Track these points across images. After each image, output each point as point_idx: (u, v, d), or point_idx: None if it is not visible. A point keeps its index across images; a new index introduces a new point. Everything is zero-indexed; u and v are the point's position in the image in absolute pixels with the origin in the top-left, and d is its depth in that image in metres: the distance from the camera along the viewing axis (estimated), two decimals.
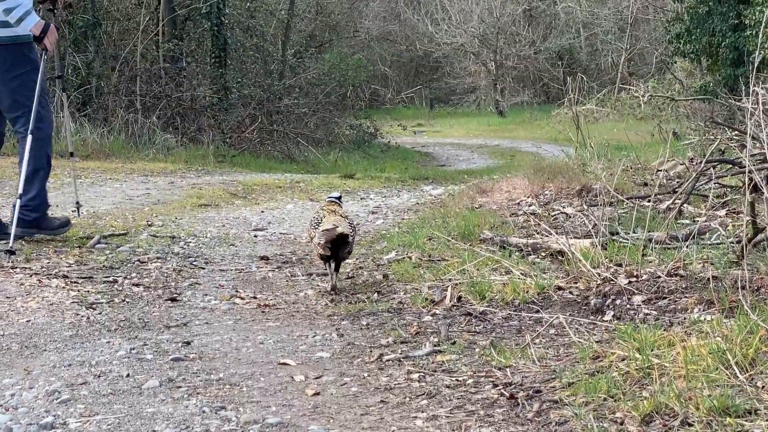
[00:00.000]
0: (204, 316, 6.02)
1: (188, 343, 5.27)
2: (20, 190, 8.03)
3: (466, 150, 30.61)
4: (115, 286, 6.87)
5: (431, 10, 49.40)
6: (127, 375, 4.68)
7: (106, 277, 7.17)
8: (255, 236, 9.57)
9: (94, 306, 6.24)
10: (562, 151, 16.74)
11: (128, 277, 7.21)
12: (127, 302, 6.41)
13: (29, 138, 8.04)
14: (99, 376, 4.68)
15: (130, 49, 21.73)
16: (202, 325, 5.75)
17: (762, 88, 7.57)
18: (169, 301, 6.45)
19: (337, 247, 6.56)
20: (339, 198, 7.26)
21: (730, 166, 9.84)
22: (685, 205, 8.87)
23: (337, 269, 6.79)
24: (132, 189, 13.27)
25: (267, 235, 9.69)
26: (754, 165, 8.50)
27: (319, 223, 6.77)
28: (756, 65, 15.45)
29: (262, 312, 6.11)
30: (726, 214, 8.57)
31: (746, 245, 5.79)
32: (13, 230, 7.82)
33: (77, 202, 9.50)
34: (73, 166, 10.85)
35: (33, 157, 8.09)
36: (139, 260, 7.89)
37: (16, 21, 8.00)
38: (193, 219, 10.62)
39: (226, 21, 23.48)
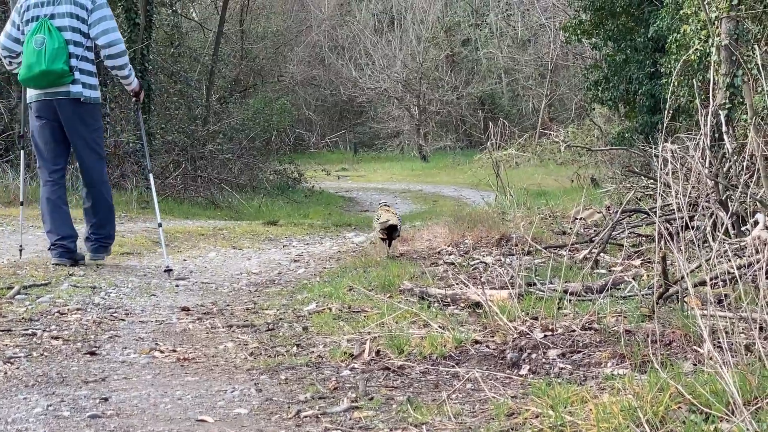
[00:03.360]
0: (123, 370, 6.00)
1: (106, 399, 5.26)
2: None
3: (389, 195, 30.72)
4: (34, 339, 6.83)
5: (355, 55, 49.67)
6: None
7: (25, 329, 7.12)
8: (177, 286, 9.54)
9: (11, 360, 6.19)
10: (482, 198, 16.88)
11: (47, 329, 7.16)
12: (46, 356, 6.37)
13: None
14: None
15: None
16: (121, 380, 5.73)
17: (672, 144, 7.75)
18: (88, 355, 6.42)
19: (390, 233, 10.73)
20: (387, 204, 11.81)
21: (645, 215, 10.02)
22: (601, 254, 9.02)
23: (389, 245, 10.83)
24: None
25: (189, 284, 9.67)
26: (665, 215, 8.70)
27: (379, 218, 10.88)
28: (671, 113, 15.72)
29: (182, 366, 6.11)
30: (641, 263, 8.73)
31: (657, 300, 5.91)
32: None
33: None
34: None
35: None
36: (59, 312, 7.84)
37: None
38: (115, 268, 10.56)
39: (150, 67, 23.44)
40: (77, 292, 8.77)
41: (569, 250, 9.17)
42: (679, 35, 16.34)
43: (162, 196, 20.84)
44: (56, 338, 6.89)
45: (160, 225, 10.93)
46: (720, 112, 11.95)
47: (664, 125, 7.10)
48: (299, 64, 51.22)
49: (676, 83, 16.27)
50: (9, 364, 6.09)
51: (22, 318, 7.55)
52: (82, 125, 10.18)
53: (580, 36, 26.37)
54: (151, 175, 11.33)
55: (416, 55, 47.62)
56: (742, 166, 9.33)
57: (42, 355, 6.41)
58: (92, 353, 6.47)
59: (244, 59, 41.97)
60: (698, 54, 14.53)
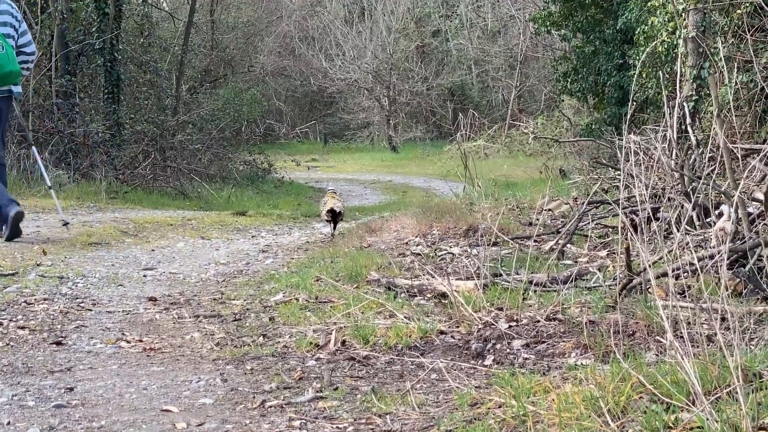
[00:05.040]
0: (89, 360, 6.01)
1: (71, 389, 5.27)
2: None
3: (359, 185, 30.75)
4: (0, 329, 6.82)
5: (325, 45, 49.62)
6: (8, 423, 4.67)
7: None
8: (144, 276, 9.54)
9: None
10: (451, 189, 16.92)
11: (14, 319, 7.15)
12: (12, 346, 6.37)
13: None
14: None
15: (23, 85, 21.47)
16: (87, 370, 5.74)
17: (638, 135, 7.80)
18: (54, 345, 6.42)
19: (335, 217, 12.68)
20: (334, 190, 13.80)
21: (611, 206, 10.08)
22: (568, 245, 9.06)
23: (334, 228, 12.86)
24: (22, 226, 13.10)
25: (156, 274, 9.67)
26: (630, 207, 8.75)
27: (325, 203, 12.86)
28: (638, 105, 15.79)
29: (148, 356, 6.12)
30: (607, 254, 8.77)
31: (620, 291, 5.96)
32: None
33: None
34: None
35: None
36: (26, 301, 7.83)
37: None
38: (83, 258, 10.55)
39: (120, 57, 23.36)
40: (45, 282, 8.76)
41: (535, 241, 9.22)
42: (647, 27, 16.41)
43: (131, 185, 20.79)
44: (23, 328, 6.88)
45: (50, 188, 13.29)
46: (686, 104, 12.01)
47: (629, 117, 7.14)
48: (269, 54, 51.13)
49: (643, 75, 16.35)
50: None
51: None
52: (7, 118, 11.75)
53: (549, 27, 26.45)
54: (33, 147, 14.05)
55: (386, 46, 47.64)
56: (707, 157, 9.41)
57: (8, 344, 6.40)
58: (58, 343, 6.48)
59: (214, 49, 41.88)
60: (665, 46, 14.60)
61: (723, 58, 11.49)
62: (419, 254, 9.51)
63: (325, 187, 29.25)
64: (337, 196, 13.22)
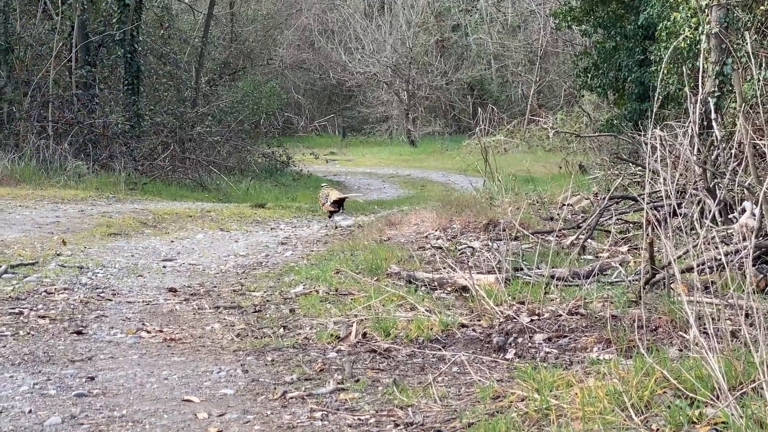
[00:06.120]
0: (109, 350, 6.01)
1: (92, 378, 5.27)
2: None
3: (377, 179, 30.68)
4: (21, 318, 6.84)
5: (345, 39, 49.54)
6: (30, 411, 4.67)
7: (12, 308, 7.13)
8: (164, 267, 9.55)
9: None
10: (471, 183, 16.88)
11: (34, 308, 7.17)
12: (33, 335, 6.37)
13: None
14: (1, 412, 4.66)
15: (43, 75, 21.52)
16: (107, 360, 5.74)
17: (661, 131, 7.76)
18: (75, 334, 6.43)
19: (340, 206, 13.74)
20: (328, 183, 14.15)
21: (632, 202, 10.04)
22: (588, 240, 9.03)
23: (341, 209, 13.82)
24: (42, 217, 13.15)
25: (176, 265, 9.67)
26: (653, 202, 8.71)
27: (327, 195, 13.90)
28: (660, 101, 15.72)
29: (168, 346, 6.12)
30: (628, 250, 8.74)
31: (644, 285, 5.92)
32: None
33: None
34: None
35: None
36: (46, 291, 7.85)
37: None
38: (103, 248, 10.56)
39: (140, 48, 23.38)
40: (64, 272, 8.77)
41: (556, 236, 9.18)
42: (669, 22, 16.33)
43: (150, 177, 20.80)
44: (43, 317, 6.90)
45: None
46: (709, 99, 11.95)
47: (653, 112, 7.10)
48: (289, 47, 51.08)
49: (665, 71, 16.27)
50: None
51: (9, 297, 7.56)
52: None
53: (570, 22, 26.31)
54: None
55: (406, 39, 47.52)
56: (731, 153, 9.35)
57: (29, 333, 6.41)
58: (79, 332, 6.48)
59: (233, 42, 41.91)
60: (688, 42, 14.53)
61: (747, 54, 11.42)
62: (439, 248, 9.48)
63: (343, 181, 29.30)
64: (333, 186, 14.03)
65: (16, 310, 7.05)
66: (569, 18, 26.02)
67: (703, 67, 12.91)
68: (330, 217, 13.87)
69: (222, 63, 39.00)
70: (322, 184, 15.63)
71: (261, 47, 46.65)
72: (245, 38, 43.98)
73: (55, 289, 7.94)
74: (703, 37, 13.40)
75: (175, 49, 28.82)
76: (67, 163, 19.59)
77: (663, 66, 12.28)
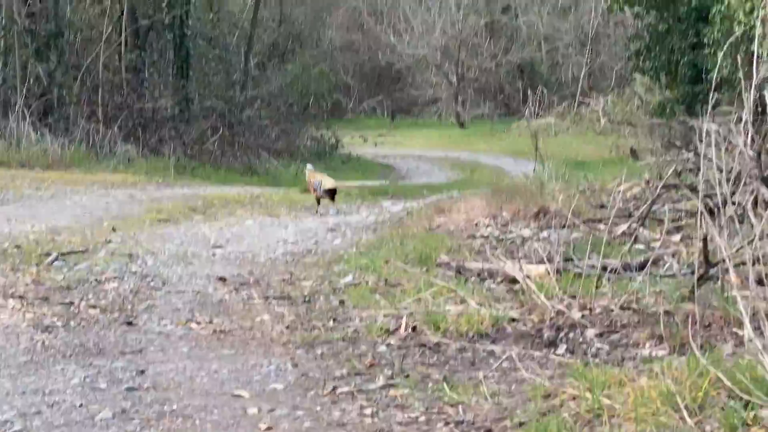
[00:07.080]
0: (159, 341, 6.02)
1: (142, 372, 5.27)
2: None
3: (426, 162, 30.63)
4: (71, 309, 6.86)
5: (394, 21, 49.43)
6: (81, 405, 4.68)
7: (63, 298, 7.16)
8: (213, 254, 9.54)
9: (49, 329, 6.23)
10: (520, 167, 16.82)
11: (85, 298, 7.19)
12: (83, 326, 6.40)
13: None
14: (52, 406, 4.68)
15: (93, 59, 21.63)
16: (157, 352, 5.75)
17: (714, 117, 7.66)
18: (125, 325, 6.44)
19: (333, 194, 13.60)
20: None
21: (685, 190, 9.92)
22: (640, 229, 8.94)
23: (333, 200, 13.60)
24: (92, 202, 13.23)
25: (225, 253, 9.66)
26: (707, 191, 8.59)
27: (321, 182, 13.61)
28: (714, 84, 15.59)
29: (218, 338, 6.12)
30: (681, 239, 8.64)
31: (698, 281, 5.84)
32: None
33: None
34: None
35: None
36: (96, 280, 7.87)
37: None
38: (152, 235, 10.59)
39: (189, 32, 23.43)
40: (114, 260, 8.79)
41: (607, 225, 9.09)
42: (722, 6, 16.14)
43: (199, 161, 20.88)
44: (93, 307, 6.92)
45: None
46: (764, 85, 11.79)
47: (709, 98, 6.99)
48: (338, 29, 51.00)
49: (718, 55, 16.07)
50: (47, 333, 6.13)
51: (60, 286, 7.59)
52: None
53: (622, 4, 26.06)
54: None
55: (455, 21, 47.32)
56: None
57: (79, 324, 6.44)
58: (129, 323, 6.50)
59: (282, 24, 41.87)
60: (743, 27, 14.34)
61: None
62: (489, 237, 9.43)
63: (391, 164, 29.24)
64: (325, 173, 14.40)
65: (67, 300, 7.08)
66: (621, 0, 25.78)
67: (758, 53, 12.74)
68: (318, 203, 13.60)
69: (271, 45, 39.01)
70: (308, 165, 15.25)
71: (310, 29, 46.60)
72: (294, 20, 43.95)
73: (106, 277, 7.96)
74: (758, 22, 13.22)
75: (224, 32, 28.87)
76: (116, 147, 19.72)
77: (723, 51, 12.10)
